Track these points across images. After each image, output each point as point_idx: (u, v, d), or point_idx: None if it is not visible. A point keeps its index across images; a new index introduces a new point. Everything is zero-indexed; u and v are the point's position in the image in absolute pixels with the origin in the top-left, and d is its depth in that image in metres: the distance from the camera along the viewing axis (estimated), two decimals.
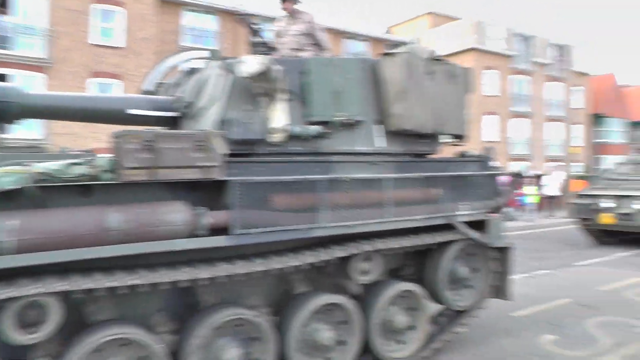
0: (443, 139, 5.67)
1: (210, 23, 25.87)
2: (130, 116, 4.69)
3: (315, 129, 4.59)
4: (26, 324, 3.27)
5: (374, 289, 5.05)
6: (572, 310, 7.50)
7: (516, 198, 20.00)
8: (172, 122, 4.84)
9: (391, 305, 5.06)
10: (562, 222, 17.65)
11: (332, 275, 4.92)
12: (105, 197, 3.60)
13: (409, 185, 4.91)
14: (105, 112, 4.71)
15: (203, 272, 3.84)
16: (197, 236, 3.75)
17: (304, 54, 5.52)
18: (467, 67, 5.83)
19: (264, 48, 5.23)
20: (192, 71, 5.09)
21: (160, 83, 5.60)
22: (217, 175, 3.84)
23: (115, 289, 3.53)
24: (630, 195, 12.88)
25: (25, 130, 17.76)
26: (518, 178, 6.43)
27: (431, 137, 5.43)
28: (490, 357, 5.70)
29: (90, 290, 3.48)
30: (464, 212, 5.39)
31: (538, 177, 23.70)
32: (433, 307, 5.66)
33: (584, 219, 14.08)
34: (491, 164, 5.82)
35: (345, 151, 4.79)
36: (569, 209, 15.23)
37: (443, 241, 5.38)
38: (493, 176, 5.80)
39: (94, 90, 21.33)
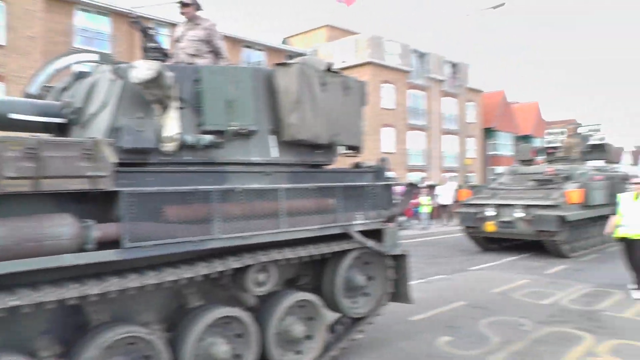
0: (339, 150, 5.75)
1: (104, 24, 24.78)
2: (13, 121, 4.41)
3: (208, 138, 4.51)
4: None
5: (271, 299, 5.03)
6: (466, 312, 7.85)
7: (411, 207, 20.63)
8: (59, 129, 4.59)
9: (288, 316, 5.05)
10: (456, 230, 18.34)
11: (227, 288, 4.84)
12: None
13: (304, 195, 4.91)
14: None
15: (92, 288, 3.62)
16: (85, 250, 3.53)
17: (202, 61, 5.43)
18: (362, 80, 5.94)
19: (158, 53, 5.04)
20: (82, 75, 4.86)
21: (47, 86, 5.33)
22: (107, 186, 3.64)
23: None
24: (510, 204, 13.53)
25: None
26: (412, 188, 6.60)
27: (327, 148, 5.48)
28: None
29: None
30: (359, 221, 5.47)
31: (432, 187, 24.59)
32: (330, 316, 5.72)
33: (470, 227, 14.66)
34: (386, 174, 5.96)
35: (239, 161, 4.74)
36: (458, 217, 15.89)
37: (339, 250, 5.42)
38: (388, 186, 5.92)
39: None
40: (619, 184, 15.24)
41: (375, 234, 5.75)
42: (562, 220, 12.67)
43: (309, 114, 4.98)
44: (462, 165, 38.29)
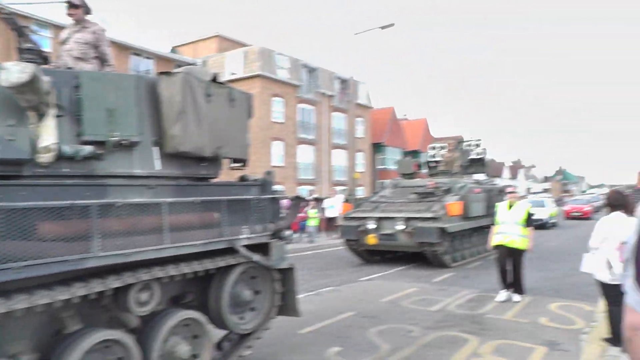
0: (225, 162, 5.68)
1: None
2: None
3: (88, 149, 4.25)
4: None
5: (154, 319, 4.80)
6: (355, 322, 7.97)
7: (298, 221, 20.77)
8: None
9: (172, 336, 4.85)
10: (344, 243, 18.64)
11: (108, 309, 4.58)
12: None
13: (188, 209, 4.77)
14: None
15: None
16: None
17: (87, 66, 5.16)
18: (249, 92, 5.91)
19: (34, 55, 4.65)
20: None
21: None
22: None
23: None
24: (392, 217, 13.83)
25: None
26: (299, 201, 6.64)
27: (212, 161, 5.38)
28: None
29: None
30: (245, 235, 5.39)
31: (319, 200, 24.92)
32: (217, 333, 5.59)
33: (351, 240, 14.73)
34: (272, 187, 5.94)
35: (121, 174, 4.51)
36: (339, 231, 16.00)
37: (225, 265, 5.31)
38: (274, 200, 5.90)
39: None
40: (496, 196, 16.13)
41: (261, 248, 5.70)
42: (443, 231, 13.13)
43: (192, 125, 4.84)
44: (352, 179, 39.20)
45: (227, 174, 5.82)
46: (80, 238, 3.88)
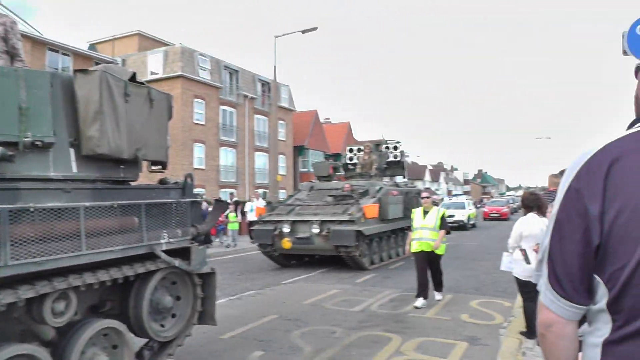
0: (144, 165, 5.51)
1: None
2: None
3: None
4: None
5: (71, 331, 4.54)
6: (278, 326, 7.93)
7: (218, 224, 20.46)
8: None
9: (91, 347, 4.63)
10: None
11: (21, 321, 4.29)
12: None
13: (106, 214, 4.58)
14: None
15: None
16: None
17: None
18: (168, 92, 5.76)
19: None
20: None
21: None
22: None
23: None
24: (307, 220, 13.67)
25: None
26: (220, 205, 6.54)
27: (130, 163, 5.20)
28: None
29: None
30: (165, 240, 5.25)
31: (240, 203, 24.68)
32: (137, 341, 5.41)
33: (264, 245, 14.41)
34: (192, 191, 5.82)
35: (34, 177, 4.28)
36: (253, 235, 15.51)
37: (145, 271, 5.12)
38: (194, 203, 5.78)
39: None
40: (415, 198, 16.40)
41: (182, 253, 5.57)
42: (359, 234, 13.10)
43: (111, 126, 4.65)
44: (274, 182, 39.15)
45: (146, 177, 5.64)
46: None
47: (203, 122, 34.95)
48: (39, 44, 26.63)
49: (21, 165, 4.20)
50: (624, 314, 1.30)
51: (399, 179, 20.01)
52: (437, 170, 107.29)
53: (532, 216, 6.59)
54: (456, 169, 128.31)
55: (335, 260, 14.52)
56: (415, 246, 9.41)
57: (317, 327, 7.76)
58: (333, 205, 14.30)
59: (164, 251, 5.25)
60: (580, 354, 1.45)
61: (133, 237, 4.85)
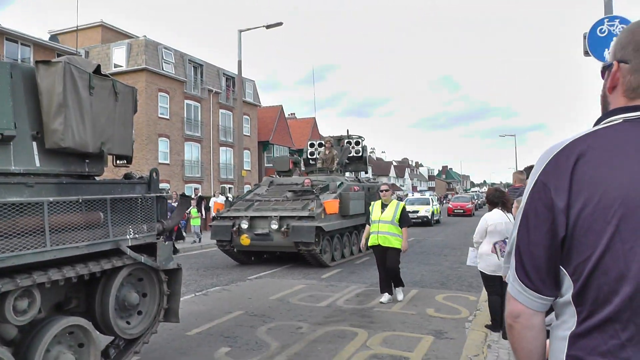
0: (109, 159, 5.43)
1: None
2: None
3: None
4: None
5: (34, 329, 4.43)
6: (244, 321, 7.88)
7: (183, 220, 20.22)
8: None
9: (56, 345, 4.52)
10: None
11: None
12: None
13: (71, 209, 4.49)
14: None
15: None
16: None
17: None
18: (133, 86, 5.68)
19: None
20: None
21: None
22: None
23: None
24: (266, 216, 13.30)
25: None
26: (185, 200, 6.49)
27: (95, 157, 5.11)
28: None
29: None
30: (131, 235, 5.18)
31: (204, 199, 24.48)
32: (103, 339, 5.32)
33: (222, 241, 14.01)
34: (158, 186, 5.75)
35: None
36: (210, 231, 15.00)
37: (111, 268, 5.04)
38: (159, 198, 5.71)
39: None
40: (377, 193, 16.30)
41: (148, 249, 5.50)
42: (319, 230, 12.97)
43: (75, 120, 4.56)
44: (239, 177, 39.06)
45: (111, 172, 5.56)
46: None
47: (167, 117, 34.52)
48: None
49: None
50: (588, 306, 1.33)
51: (363, 175, 19.87)
52: (402, 167, 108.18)
53: (497, 212, 6.70)
54: (421, 165, 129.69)
55: (297, 256, 14.27)
56: (372, 240, 9.09)
57: (283, 323, 7.75)
58: (293, 200, 13.94)
59: (130, 247, 5.18)
60: (548, 346, 1.48)
61: (98, 233, 4.77)
